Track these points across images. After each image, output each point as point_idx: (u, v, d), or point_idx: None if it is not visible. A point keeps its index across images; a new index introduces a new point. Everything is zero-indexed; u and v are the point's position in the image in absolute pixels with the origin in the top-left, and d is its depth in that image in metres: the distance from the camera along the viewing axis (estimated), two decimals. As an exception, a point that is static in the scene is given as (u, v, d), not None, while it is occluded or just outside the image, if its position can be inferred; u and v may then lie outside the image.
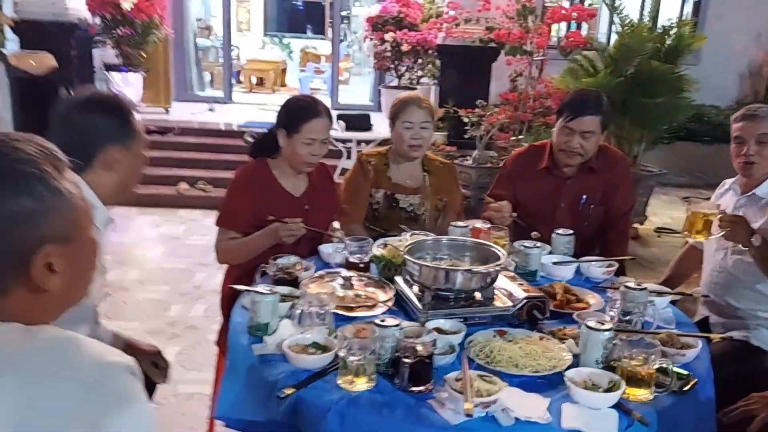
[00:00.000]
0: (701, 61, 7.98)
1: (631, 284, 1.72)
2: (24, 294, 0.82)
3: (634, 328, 1.63)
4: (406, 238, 1.97)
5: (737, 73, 8.01)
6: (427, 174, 2.59)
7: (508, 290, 1.77)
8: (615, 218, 2.51)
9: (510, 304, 1.72)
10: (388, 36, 6.59)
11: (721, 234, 2.02)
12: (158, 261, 4.43)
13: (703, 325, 2.23)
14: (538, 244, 2.12)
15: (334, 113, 6.21)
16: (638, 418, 1.31)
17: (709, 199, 2.36)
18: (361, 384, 1.36)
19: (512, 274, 1.89)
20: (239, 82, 11.12)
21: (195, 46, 9.30)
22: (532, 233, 2.31)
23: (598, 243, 2.50)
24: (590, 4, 8.51)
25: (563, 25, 7.48)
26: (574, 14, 5.49)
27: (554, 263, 2.10)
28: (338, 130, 5.42)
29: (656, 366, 1.38)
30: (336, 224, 2.28)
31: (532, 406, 1.32)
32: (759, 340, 2.10)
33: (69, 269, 0.85)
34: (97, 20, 6.41)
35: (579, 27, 7.75)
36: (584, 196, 2.49)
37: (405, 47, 6.59)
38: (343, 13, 12.25)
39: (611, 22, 5.51)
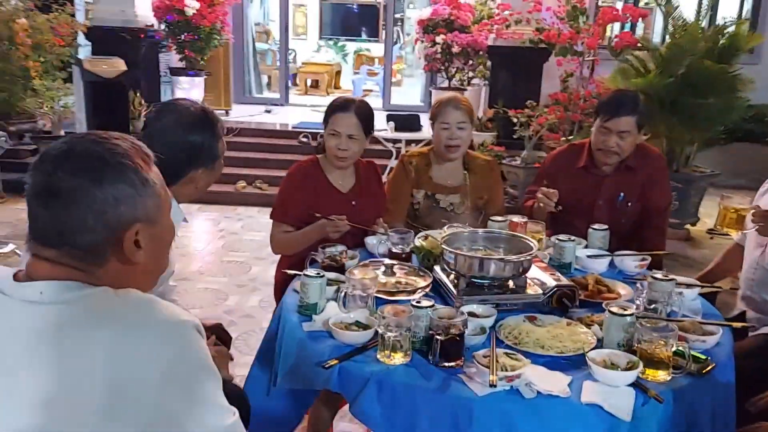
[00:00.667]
0: (762, 60, 7.80)
1: (659, 275, 1.81)
2: (117, 265, 1.00)
3: (659, 316, 1.72)
4: (445, 231, 2.09)
5: (800, 71, 7.75)
6: (468, 172, 2.69)
7: (541, 279, 1.89)
8: (652, 215, 2.58)
9: (541, 292, 1.83)
10: (439, 38, 6.71)
11: (754, 229, 2.07)
12: (218, 254, 4.69)
13: (740, 320, 2.28)
14: (573, 237, 2.21)
15: (383, 114, 6.43)
16: (653, 395, 1.41)
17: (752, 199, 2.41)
18: (398, 358, 1.51)
19: (545, 265, 2.00)
20: (295, 84, 11.45)
21: (254, 50, 9.64)
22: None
23: (635, 239, 2.57)
24: (646, 4, 8.43)
25: (618, 25, 7.45)
26: (626, 15, 5.47)
27: (589, 257, 2.19)
28: (388, 130, 5.58)
29: (673, 349, 1.48)
30: (382, 222, 2.41)
31: (554, 382, 1.44)
32: (792, 335, 2.13)
33: (152, 246, 1.03)
34: (163, 26, 6.76)
35: (634, 27, 7.70)
36: (622, 194, 2.57)
37: (455, 49, 6.69)
38: (397, 16, 12.44)
39: (665, 22, 5.47)
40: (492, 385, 1.37)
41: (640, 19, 5.84)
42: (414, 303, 1.58)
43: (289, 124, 7.42)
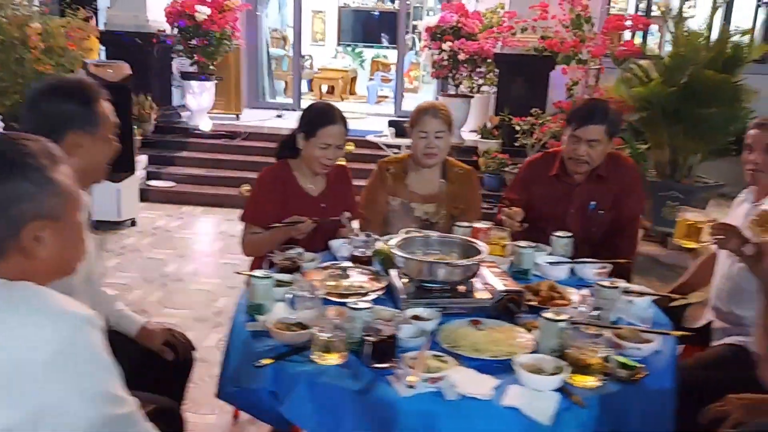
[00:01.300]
0: (775, 70, 7.67)
1: (605, 283, 1.82)
2: (19, 258, 1.05)
3: (594, 322, 1.73)
4: (401, 235, 2.12)
5: (817, 82, 7.62)
6: (446, 181, 2.71)
7: (492, 285, 1.91)
8: (624, 224, 2.57)
9: (489, 297, 1.85)
10: (446, 45, 6.74)
11: (712, 242, 2.06)
12: (215, 256, 4.78)
13: (705, 330, 2.28)
14: (533, 244, 2.23)
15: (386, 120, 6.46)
16: (576, 400, 1.42)
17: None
18: (332, 359, 1.54)
19: (500, 270, 2.02)
20: (312, 90, 11.57)
21: (268, 55, 9.77)
22: None
23: (607, 247, 2.57)
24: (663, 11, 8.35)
25: (628, 34, 7.41)
26: (629, 23, 5.45)
27: (549, 263, 2.20)
28: (388, 136, 5.62)
29: (601, 355, 1.49)
30: (347, 214, 2.45)
31: (480, 385, 1.46)
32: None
33: (56, 242, 1.08)
34: (175, 31, 6.90)
35: (645, 36, 7.64)
36: (593, 202, 2.57)
37: (462, 56, 6.71)
38: (414, 23, 12.51)
39: (676, 31, 5.43)
40: (410, 386, 1.39)
41: (655, 29, 5.80)
42: (350, 305, 1.62)
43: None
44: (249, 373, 1.62)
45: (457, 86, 7.16)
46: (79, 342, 0.99)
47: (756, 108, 6.18)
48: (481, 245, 1.96)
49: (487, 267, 2.00)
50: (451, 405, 1.41)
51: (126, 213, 5.21)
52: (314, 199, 2.48)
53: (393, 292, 1.94)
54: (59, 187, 1.08)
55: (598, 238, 2.59)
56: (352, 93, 12.34)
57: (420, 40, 12.65)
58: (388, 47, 13.03)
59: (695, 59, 4.99)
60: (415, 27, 12.30)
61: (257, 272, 1.80)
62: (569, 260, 2.25)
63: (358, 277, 2.05)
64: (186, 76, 7.13)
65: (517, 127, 5.97)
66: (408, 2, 12.79)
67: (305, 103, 9.89)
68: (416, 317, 1.75)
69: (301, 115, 2.50)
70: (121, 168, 5.13)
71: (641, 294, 1.96)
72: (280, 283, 1.86)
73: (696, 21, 6.87)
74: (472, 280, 1.92)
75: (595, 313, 1.77)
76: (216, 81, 7.22)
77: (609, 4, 7.63)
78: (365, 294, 1.92)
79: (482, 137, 7.05)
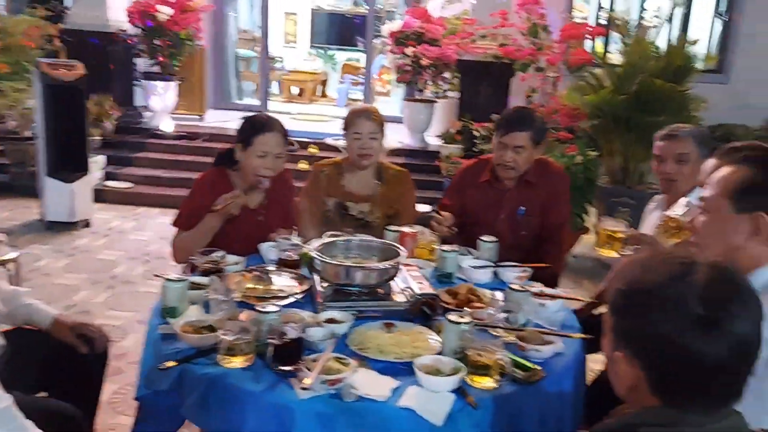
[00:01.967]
0: (730, 80, 7.88)
1: (515, 286, 1.87)
2: None
3: (511, 325, 1.78)
4: (323, 238, 2.15)
5: (769, 92, 7.83)
6: (380, 182, 2.76)
7: (410, 288, 1.94)
8: (551, 230, 2.63)
9: (404, 300, 1.89)
10: (409, 50, 6.79)
11: (629, 251, 2.13)
12: (166, 258, 4.72)
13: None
14: (457, 248, 2.27)
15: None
16: (469, 400, 1.46)
17: None
18: (237, 361, 1.56)
19: (420, 274, 2.05)
20: (282, 92, 11.56)
21: (236, 56, 9.74)
22: None
23: (536, 252, 2.62)
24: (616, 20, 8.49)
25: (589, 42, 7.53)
26: (583, 32, 5.55)
27: (472, 267, 2.25)
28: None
29: (497, 357, 1.53)
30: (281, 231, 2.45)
31: (378, 386, 1.49)
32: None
33: None
34: (136, 30, 6.85)
35: (606, 44, 7.78)
36: (522, 208, 2.63)
37: (425, 61, 6.77)
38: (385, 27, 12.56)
39: (623, 41, 5.55)
40: (304, 388, 1.42)
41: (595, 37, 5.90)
42: (257, 308, 1.64)
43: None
44: (157, 375, 1.64)
45: (420, 91, 7.22)
46: None
47: (706, 116, 6.35)
48: (400, 249, 1.99)
49: (409, 270, 2.04)
50: (348, 406, 1.44)
51: (80, 214, 5.16)
52: (251, 212, 2.48)
53: (313, 296, 1.97)
54: None
55: (528, 244, 2.64)
56: (324, 96, 12.35)
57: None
58: (357, 50, 13.06)
59: (645, 68, 5.10)
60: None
61: (170, 275, 1.81)
62: (492, 264, 2.30)
63: (282, 281, 2.07)
64: (148, 76, 7.08)
65: (476, 133, 6.04)
66: (380, 6, 12.87)
67: (274, 105, 9.91)
68: (331, 320, 1.78)
69: (239, 126, 2.51)
70: (74, 168, 5.10)
71: (554, 297, 2.01)
72: (195, 286, 1.87)
73: (658, 31, 7.04)
74: (390, 283, 1.95)
75: (504, 315, 1.82)
76: (179, 82, 7.19)
77: (570, 12, 7.75)
78: (284, 297, 1.94)
79: (445, 142, 7.11)
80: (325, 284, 1.94)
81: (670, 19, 7.78)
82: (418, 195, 2.89)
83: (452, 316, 1.64)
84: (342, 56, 13.86)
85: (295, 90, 11.65)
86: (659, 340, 0.92)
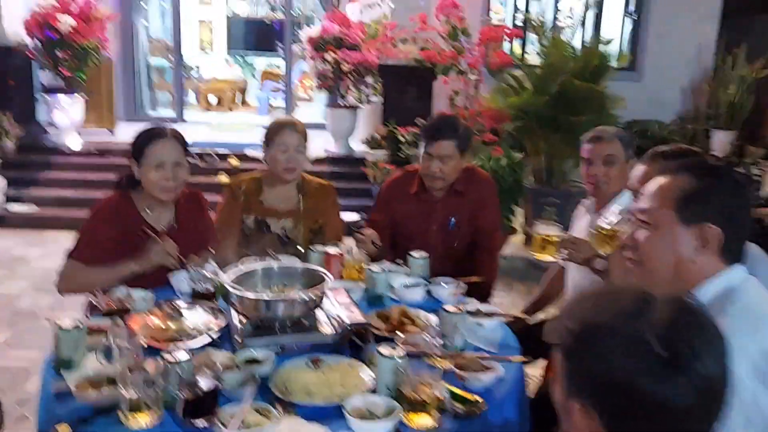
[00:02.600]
0: (643, 78, 8.15)
1: (449, 307, 1.75)
2: None
3: (448, 351, 1.66)
4: (239, 265, 1.96)
5: (680, 88, 8.16)
6: (303, 196, 2.60)
7: (339, 316, 1.79)
8: (483, 238, 2.55)
9: (332, 331, 1.74)
10: (329, 56, 6.64)
11: (562, 257, 2.06)
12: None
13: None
14: (387, 267, 2.14)
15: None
16: (406, 446, 1.33)
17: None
18: (143, 419, 1.37)
19: (349, 300, 1.90)
20: (199, 102, 11.16)
21: (147, 66, 9.30)
22: None
23: (469, 263, 2.54)
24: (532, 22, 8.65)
25: (508, 44, 7.61)
26: (502, 34, 5.57)
27: (405, 286, 2.12)
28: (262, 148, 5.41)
29: (436, 391, 1.40)
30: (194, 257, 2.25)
31: (305, 437, 1.33)
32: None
33: None
34: (36, 43, 6.39)
35: (524, 46, 7.89)
36: (453, 218, 2.53)
37: (346, 67, 6.63)
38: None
39: (540, 42, 5.60)
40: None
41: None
42: (164, 356, 1.45)
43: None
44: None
45: (343, 97, 7.08)
46: None
47: (623, 114, 6.52)
48: (326, 274, 1.84)
49: (336, 296, 1.89)
50: (272, 463, 1.28)
51: (-23, 243, 4.73)
52: (159, 234, 2.26)
53: (230, 333, 1.79)
54: None
55: (461, 255, 2.55)
56: (244, 104, 12.02)
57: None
58: (278, 56, 12.80)
59: (564, 69, 5.15)
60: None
61: (63, 321, 1.58)
62: (425, 281, 2.18)
63: (196, 317, 1.87)
64: (51, 90, 6.61)
65: (402, 138, 5.96)
66: (298, 11, 12.65)
67: (190, 115, 9.54)
68: (251, 360, 1.61)
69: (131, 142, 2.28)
70: (-33, 193, 4.66)
71: (490, 315, 1.90)
72: (95, 331, 1.65)
73: (572, 31, 7.16)
74: (316, 312, 1.80)
75: (441, 340, 1.70)
76: (85, 95, 6.75)
77: (488, 15, 7.81)
78: (199, 337, 1.75)
79: (370, 148, 7.00)
80: (244, 319, 1.76)
81: (583, 20, 7.97)
82: (345, 203, 2.76)
83: (384, 349, 1.50)
84: (261, 63, 13.55)
85: (213, 99, 11.29)
86: (618, 386, 0.80)
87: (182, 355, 1.45)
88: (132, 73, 8.62)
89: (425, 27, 6.26)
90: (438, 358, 1.62)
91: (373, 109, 7.59)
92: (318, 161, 6.47)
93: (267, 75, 11.85)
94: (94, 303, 1.85)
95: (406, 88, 6.78)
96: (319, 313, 1.81)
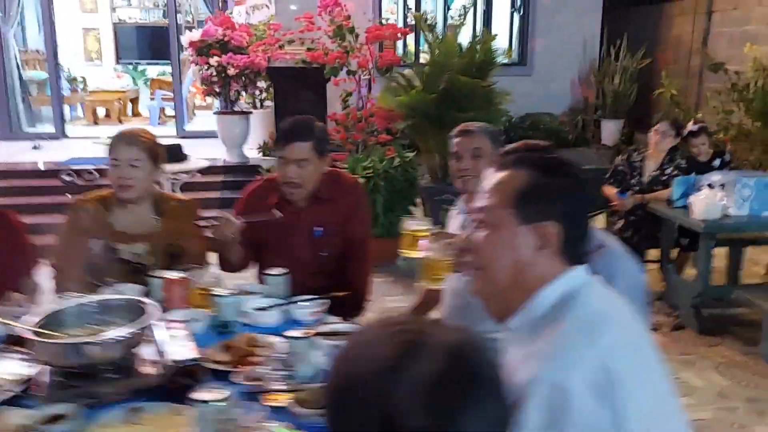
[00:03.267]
0: (534, 72, 8.29)
1: (295, 333, 1.56)
2: None
3: (290, 384, 1.46)
4: (49, 307, 1.69)
5: (569, 81, 8.35)
6: (159, 217, 2.34)
7: (165, 354, 1.55)
8: (354, 247, 2.37)
9: (158, 371, 1.51)
10: (213, 60, 6.32)
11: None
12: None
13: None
14: (237, 290, 1.93)
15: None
16: None
17: None
18: None
19: (186, 332, 1.67)
20: (85, 115, 10.49)
21: (20, 79, 8.61)
22: None
23: (340, 274, 2.36)
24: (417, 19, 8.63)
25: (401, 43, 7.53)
26: (388, 33, 5.45)
27: (257, 309, 1.91)
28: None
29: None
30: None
31: None
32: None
33: None
34: None
35: (417, 44, 7.84)
36: (319, 228, 2.34)
37: (232, 71, 6.33)
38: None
39: (427, 40, 5.52)
40: None
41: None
42: None
43: (57, 162, 6.60)
44: None
45: (232, 102, 6.77)
46: None
47: (515, 108, 6.57)
48: (148, 305, 1.60)
49: (170, 328, 1.65)
50: None
51: None
52: None
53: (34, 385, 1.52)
54: None
55: (331, 267, 2.36)
56: (136, 115, 11.42)
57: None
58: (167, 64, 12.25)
59: (450, 66, 5.09)
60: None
61: None
62: (282, 301, 1.98)
63: (6, 367, 1.59)
64: None
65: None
66: (190, 16, 12.17)
67: (75, 130, 8.92)
68: (58, 416, 1.35)
69: None
70: None
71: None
72: None
73: (459, 29, 7.16)
74: (140, 352, 1.56)
75: (286, 371, 1.50)
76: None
77: (380, 14, 7.71)
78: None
79: (264, 155, 6.74)
80: (48, 368, 1.49)
81: (474, 16, 8.03)
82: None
83: (201, 394, 1.29)
84: (155, 71, 12.93)
85: (103, 111, 10.63)
86: None
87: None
88: (3, 87, 7.95)
89: (312, 27, 6.06)
90: (277, 394, 1.42)
91: (265, 114, 7.32)
92: (210, 171, 6.13)
93: (159, 83, 11.28)
94: None
95: (298, 91, 6.54)
96: (144, 351, 1.57)
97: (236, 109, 6.99)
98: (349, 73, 5.97)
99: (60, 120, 8.29)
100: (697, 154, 4.21)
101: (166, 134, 8.52)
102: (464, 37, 6.49)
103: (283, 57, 6.11)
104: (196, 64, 6.52)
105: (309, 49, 5.84)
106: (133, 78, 12.99)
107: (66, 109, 11.56)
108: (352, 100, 6.18)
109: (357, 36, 5.84)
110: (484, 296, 1.25)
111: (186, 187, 5.16)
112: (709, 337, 3.63)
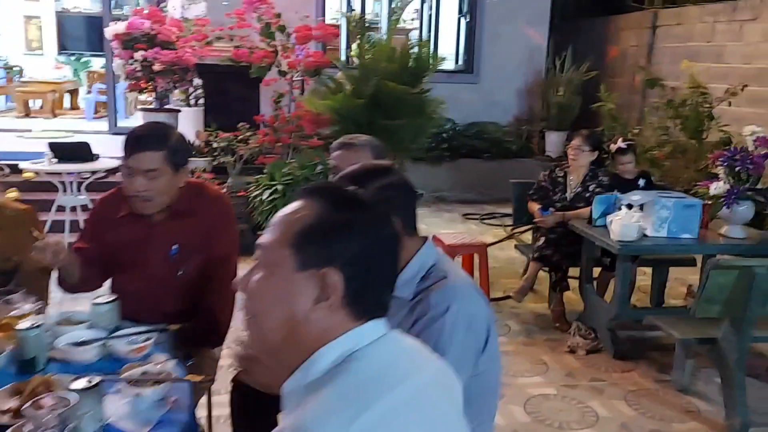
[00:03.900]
0: (481, 80, 8.16)
1: (79, 383, 1.31)
2: None
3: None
4: None
5: (515, 90, 8.24)
6: None
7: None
8: (216, 266, 2.12)
9: None
10: (138, 54, 5.99)
11: None
12: None
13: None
14: (41, 322, 1.66)
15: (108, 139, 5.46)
16: None
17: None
18: None
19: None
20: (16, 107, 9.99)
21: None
22: None
23: (197, 299, 2.11)
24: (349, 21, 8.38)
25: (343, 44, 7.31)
26: (318, 33, 5.22)
27: (72, 344, 1.65)
28: (45, 162, 4.70)
29: None
30: None
31: None
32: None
33: None
34: None
35: (348, 46, 7.62)
36: (175, 245, 2.08)
37: (157, 66, 6.02)
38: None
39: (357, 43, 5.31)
40: None
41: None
42: None
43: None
44: None
45: (160, 99, 6.45)
46: None
47: (460, 116, 6.40)
48: None
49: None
50: None
51: None
52: None
53: None
54: None
55: (188, 289, 2.11)
56: (75, 108, 10.92)
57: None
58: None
59: (379, 71, 4.89)
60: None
61: None
62: (109, 334, 1.72)
63: None
64: None
65: (216, 145, 5.45)
66: (134, 7, 11.71)
67: (4, 122, 8.44)
68: None
69: None
70: None
71: (159, 382, 1.48)
72: None
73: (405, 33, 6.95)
74: None
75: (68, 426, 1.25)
76: None
77: (323, 15, 7.47)
78: None
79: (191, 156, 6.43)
80: None
81: (420, 21, 7.86)
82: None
83: None
84: (100, 63, 12.43)
85: (38, 103, 10.13)
86: None
87: None
88: None
89: (243, 24, 5.79)
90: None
91: (195, 113, 7.01)
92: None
93: (97, 76, 10.81)
94: None
95: (229, 90, 6.26)
96: None
97: (168, 106, 6.68)
98: (280, 73, 5.73)
99: (-19, 111, 7.82)
100: (623, 172, 4.09)
101: (97, 130, 8.14)
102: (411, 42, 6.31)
103: (213, 54, 5.82)
104: (120, 57, 6.18)
105: (236, 47, 5.57)
106: (75, 69, 12.48)
107: (1, 99, 11.06)
108: (284, 101, 5.94)
109: (289, 35, 5.61)
110: (257, 351, 1.03)
111: (93, 187, 4.82)
112: (624, 361, 3.49)
